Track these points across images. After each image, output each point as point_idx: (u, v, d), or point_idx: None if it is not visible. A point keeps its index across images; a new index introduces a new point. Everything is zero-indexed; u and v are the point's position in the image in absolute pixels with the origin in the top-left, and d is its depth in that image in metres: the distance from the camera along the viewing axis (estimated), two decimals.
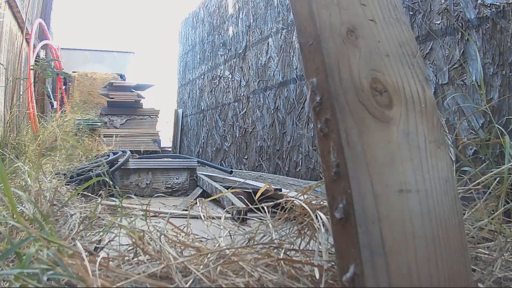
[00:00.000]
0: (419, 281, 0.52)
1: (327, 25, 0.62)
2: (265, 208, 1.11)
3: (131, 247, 0.82)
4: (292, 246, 0.87)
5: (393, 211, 0.54)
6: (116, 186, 2.51)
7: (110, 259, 0.76)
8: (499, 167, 1.09)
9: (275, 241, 0.88)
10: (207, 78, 5.81)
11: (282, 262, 0.75)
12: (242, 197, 1.92)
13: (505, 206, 0.97)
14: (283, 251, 0.82)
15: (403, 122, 0.60)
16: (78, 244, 0.69)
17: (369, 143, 0.57)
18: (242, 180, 2.83)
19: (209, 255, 0.71)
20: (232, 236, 1.05)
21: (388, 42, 0.67)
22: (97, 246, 0.92)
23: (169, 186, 2.79)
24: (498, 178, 1.07)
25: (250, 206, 1.49)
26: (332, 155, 0.57)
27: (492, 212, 0.97)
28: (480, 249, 0.83)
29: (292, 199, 1.12)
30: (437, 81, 2.00)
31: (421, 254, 0.53)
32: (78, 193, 1.32)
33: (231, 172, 3.45)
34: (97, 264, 0.61)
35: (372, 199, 0.54)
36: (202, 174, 2.99)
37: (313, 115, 0.61)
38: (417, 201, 0.56)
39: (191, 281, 0.61)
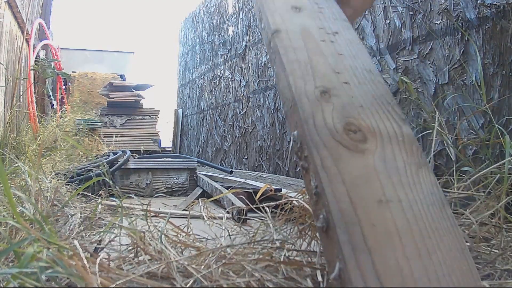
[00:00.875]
0: (413, 276, 0.51)
1: (303, 91, 0.71)
2: (266, 208, 1.11)
3: (131, 247, 0.82)
4: (293, 246, 0.87)
5: (372, 215, 0.55)
6: (116, 186, 2.50)
7: (111, 260, 0.76)
8: (498, 167, 1.09)
9: (277, 241, 0.88)
10: (207, 78, 5.81)
11: (283, 263, 0.75)
12: (243, 197, 1.92)
13: (506, 199, 0.97)
14: (284, 251, 0.82)
15: (379, 151, 0.64)
16: (77, 244, 0.69)
17: (344, 167, 0.60)
18: (242, 180, 2.83)
19: (210, 255, 0.71)
20: (232, 237, 1.05)
21: (362, 96, 0.73)
22: (98, 246, 0.92)
23: (169, 186, 2.79)
24: (497, 178, 1.07)
25: (251, 206, 1.49)
26: (312, 182, 0.61)
27: (493, 214, 0.97)
28: (482, 246, 0.83)
29: (292, 199, 1.12)
30: (437, 81, 2.00)
31: (410, 250, 0.53)
32: (78, 193, 1.32)
33: (231, 172, 3.45)
34: (97, 264, 0.61)
35: (350, 206, 0.56)
36: (202, 174, 2.99)
37: (298, 160, 0.66)
38: (399, 209, 0.57)
39: (192, 281, 0.61)
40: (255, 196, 1.37)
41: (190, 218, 1.05)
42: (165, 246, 0.74)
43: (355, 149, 0.63)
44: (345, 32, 0.90)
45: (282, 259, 0.78)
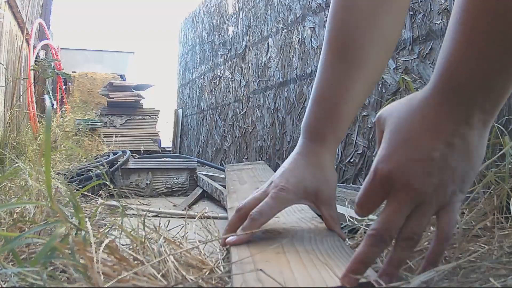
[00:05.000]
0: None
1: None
2: None
3: (130, 248, 0.82)
4: None
5: (269, 258, 0.62)
6: (116, 186, 2.49)
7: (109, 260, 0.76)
8: (499, 166, 1.09)
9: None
10: (207, 78, 5.81)
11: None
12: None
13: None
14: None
15: (289, 238, 0.74)
16: (89, 227, 0.69)
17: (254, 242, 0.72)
18: None
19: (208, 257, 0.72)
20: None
21: None
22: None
23: (169, 186, 2.79)
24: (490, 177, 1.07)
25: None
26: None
27: (494, 213, 0.97)
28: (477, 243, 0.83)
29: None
30: None
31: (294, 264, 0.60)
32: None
33: None
34: (95, 261, 0.61)
35: (249, 255, 0.64)
36: (202, 174, 2.99)
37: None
38: (297, 255, 0.64)
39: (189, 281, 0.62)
40: None
41: (189, 218, 1.05)
42: (163, 248, 0.75)
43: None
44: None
45: None
